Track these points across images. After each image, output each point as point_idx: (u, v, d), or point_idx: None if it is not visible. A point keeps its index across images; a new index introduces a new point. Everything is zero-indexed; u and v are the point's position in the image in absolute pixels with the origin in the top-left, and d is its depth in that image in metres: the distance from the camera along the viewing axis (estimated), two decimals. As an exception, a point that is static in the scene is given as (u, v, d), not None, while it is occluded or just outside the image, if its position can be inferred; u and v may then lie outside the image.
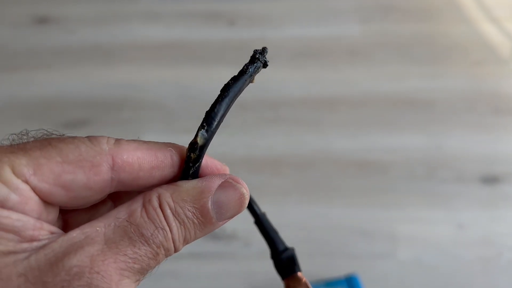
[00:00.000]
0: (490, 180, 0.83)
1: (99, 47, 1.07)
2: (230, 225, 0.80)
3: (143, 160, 0.21)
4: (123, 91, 0.98)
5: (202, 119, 0.21)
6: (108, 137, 0.21)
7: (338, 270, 0.73)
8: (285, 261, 0.23)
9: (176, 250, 0.21)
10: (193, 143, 0.21)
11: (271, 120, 0.95)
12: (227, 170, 0.24)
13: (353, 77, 1.00)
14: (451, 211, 0.79)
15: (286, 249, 0.24)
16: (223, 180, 0.22)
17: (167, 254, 0.21)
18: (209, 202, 0.21)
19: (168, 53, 1.04)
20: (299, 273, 0.23)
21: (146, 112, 0.96)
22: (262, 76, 0.99)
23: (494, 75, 0.98)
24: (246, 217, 0.83)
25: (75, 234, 0.19)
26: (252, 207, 0.24)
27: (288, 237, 0.79)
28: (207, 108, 0.22)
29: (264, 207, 0.84)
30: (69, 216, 0.23)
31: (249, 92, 1.04)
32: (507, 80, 0.98)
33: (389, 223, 0.78)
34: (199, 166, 0.22)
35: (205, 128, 0.21)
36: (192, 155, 0.22)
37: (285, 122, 0.96)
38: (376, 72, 1.00)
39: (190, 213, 0.21)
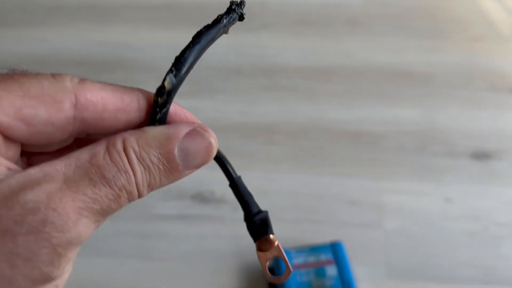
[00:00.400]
0: (481, 156, 0.83)
1: (95, 6, 1.05)
2: (219, 190, 0.80)
3: (108, 101, 0.20)
4: (117, 51, 0.97)
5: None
6: (72, 76, 0.21)
7: (324, 237, 0.73)
8: (258, 223, 0.23)
9: (140, 195, 0.21)
10: (161, 88, 0.21)
11: (266, 87, 0.95)
12: (195, 119, 0.24)
13: (351, 48, 0.99)
14: (439, 185, 0.79)
15: (260, 211, 0.24)
16: (191, 128, 0.21)
17: (130, 198, 0.21)
18: (176, 149, 0.21)
19: (164, 14, 1.02)
20: (271, 236, 0.23)
21: (140, 73, 0.95)
22: (259, 42, 0.99)
23: (492, 51, 0.97)
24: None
25: (34, 172, 0.18)
26: (227, 170, 0.24)
27: (276, 203, 0.80)
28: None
29: (255, 173, 0.84)
30: (33, 161, 0.22)
31: (244, 58, 1.05)
32: (506, 57, 0.97)
33: (377, 194, 0.79)
34: (166, 112, 0.21)
35: (174, 72, 0.21)
36: (159, 99, 0.21)
37: (280, 90, 0.95)
38: (375, 43, 0.98)
39: (156, 159, 0.20)
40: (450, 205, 0.77)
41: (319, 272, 0.64)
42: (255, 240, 0.23)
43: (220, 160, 0.24)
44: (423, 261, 0.71)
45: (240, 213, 0.80)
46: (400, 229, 0.74)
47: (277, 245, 0.24)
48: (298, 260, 0.66)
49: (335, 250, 0.66)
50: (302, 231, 0.74)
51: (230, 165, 0.24)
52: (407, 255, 0.71)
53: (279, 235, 0.75)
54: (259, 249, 0.24)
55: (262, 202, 0.79)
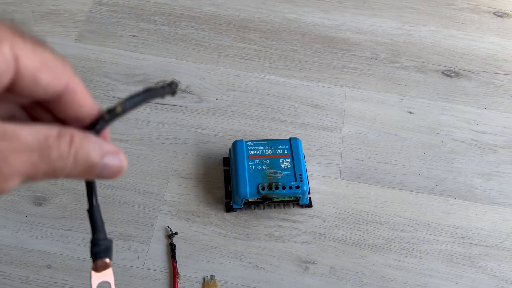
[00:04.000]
0: (451, 74, 0.83)
1: None
2: (185, 80, 0.79)
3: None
4: None
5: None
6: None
7: (284, 136, 0.74)
8: (101, 247, 0.27)
9: (55, 178, 0.24)
10: (113, 109, 0.26)
11: (245, -19, 0.90)
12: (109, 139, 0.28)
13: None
14: (404, 97, 0.79)
15: (106, 238, 0.26)
16: (117, 150, 0.25)
17: (50, 177, 0.24)
18: (102, 161, 0.24)
19: None
20: (108, 260, 0.26)
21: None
22: None
23: (483, -29, 0.94)
24: (201, 75, 0.82)
25: (8, 127, 0.21)
26: (91, 196, 0.26)
27: (241, 99, 0.79)
28: None
29: (223, 67, 0.82)
30: None
31: None
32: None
33: (341, 100, 0.78)
34: (104, 127, 0.26)
35: (124, 105, 0.26)
36: (106, 116, 0.26)
37: (259, -14, 0.90)
38: None
39: (84, 161, 0.24)
40: (412, 117, 0.77)
41: (274, 163, 0.65)
42: (94, 260, 0.26)
43: (90, 185, 0.27)
44: (375, 166, 0.72)
45: (203, 105, 0.80)
46: (358, 135, 0.75)
47: (110, 270, 0.27)
48: (255, 151, 0.66)
49: (292, 145, 0.67)
50: (264, 128, 0.74)
51: (95, 193, 0.26)
52: (361, 159, 0.73)
53: (241, 129, 0.75)
54: (94, 269, 0.26)
55: (227, 96, 0.79)
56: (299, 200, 0.65)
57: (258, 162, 0.65)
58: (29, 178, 0.22)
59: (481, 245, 0.66)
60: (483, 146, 0.75)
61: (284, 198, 0.65)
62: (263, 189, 0.63)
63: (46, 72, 0.23)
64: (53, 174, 0.23)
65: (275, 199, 0.64)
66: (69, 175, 0.24)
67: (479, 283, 0.64)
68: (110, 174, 0.25)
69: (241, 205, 0.65)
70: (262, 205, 0.66)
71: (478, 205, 0.70)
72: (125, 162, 0.26)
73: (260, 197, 0.63)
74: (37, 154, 0.22)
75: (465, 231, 0.67)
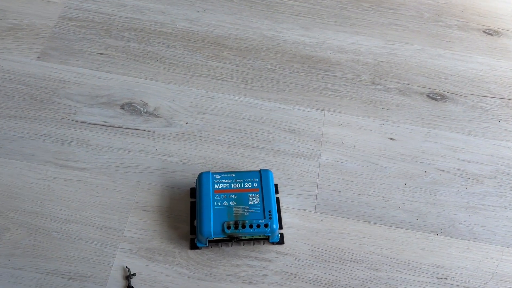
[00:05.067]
0: (436, 97, 0.78)
1: None
2: (153, 102, 0.74)
3: None
4: None
5: None
6: None
7: (257, 164, 0.69)
8: None
9: None
10: None
11: (221, -5, 0.85)
12: None
13: (322, -37, 0.88)
14: (387, 122, 0.75)
15: None
16: None
17: None
18: None
19: None
20: None
21: None
22: None
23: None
24: (171, 96, 0.77)
25: None
26: None
27: (213, 123, 0.75)
28: None
29: (195, 88, 0.77)
30: None
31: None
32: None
33: (319, 125, 0.74)
34: None
35: None
36: None
37: (237, 0, 0.85)
38: (348, -40, 0.88)
39: None
40: (393, 145, 0.73)
41: (241, 199, 0.61)
42: None
43: None
44: (353, 197, 0.68)
45: (171, 129, 0.75)
46: (336, 163, 0.70)
47: None
48: (222, 185, 0.62)
49: (262, 177, 0.62)
50: (235, 155, 0.70)
51: None
52: (338, 191, 0.68)
53: (211, 157, 0.71)
54: None
55: (198, 119, 0.74)
56: (268, 238, 0.61)
57: (224, 197, 0.61)
58: None
59: (463, 286, 0.62)
60: (468, 176, 0.71)
61: (253, 236, 0.60)
62: (228, 227, 0.58)
63: None
64: None
65: (243, 238, 0.60)
66: None
67: (460, 329, 0.60)
68: None
69: (205, 244, 0.60)
70: (229, 243, 0.62)
71: (461, 242, 0.65)
72: None
73: (225, 236, 0.59)
74: None
75: (447, 271, 0.63)
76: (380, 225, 0.66)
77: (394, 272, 0.62)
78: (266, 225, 0.59)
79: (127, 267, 0.60)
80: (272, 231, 0.59)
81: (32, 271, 0.59)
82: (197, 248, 0.61)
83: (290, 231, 0.64)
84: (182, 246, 0.62)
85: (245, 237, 0.60)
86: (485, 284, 0.62)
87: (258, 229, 0.58)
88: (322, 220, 0.66)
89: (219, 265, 0.61)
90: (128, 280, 0.59)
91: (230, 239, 0.59)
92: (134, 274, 0.59)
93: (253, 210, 0.60)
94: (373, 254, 0.64)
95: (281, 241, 0.63)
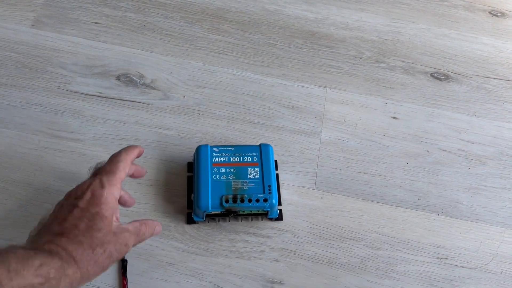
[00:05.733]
0: (441, 77, 0.77)
1: None
2: (150, 73, 0.72)
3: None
4: None
5: None
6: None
7: (256, 140, 0.67)
8: None
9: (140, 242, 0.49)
10: None
11: (222, -33, 0.82)
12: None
13: None
14: (390, 101, 0.73)
15: None
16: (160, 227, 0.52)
17: (139, 242, 0.49)
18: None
19: None
20: None
21: None
22: None
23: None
24: (169, 68, 0.75)
25: (125, 226, 0.48)
26: None
27: (212, 97, 0.73)
28: None
29: (194, 61, 0.75)
30: None
31: None
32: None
33: (321, 102, 0.72)
34: None
35: None
36: None
37: (238, -27, 0.83)
38: None
39: (151, 234, 0.51)
40: (396, 123, 0.71)
41: (240, 173, 0.59)
42: None
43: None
44: (354, 176, 0.66)
45: (168, 102, 0.73)
46: (337, 141, 0.69)
47: None
48: (220, 158, 0.60)
49: (262, 152, 0.61)
50: (235, 131, 0.68)
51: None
52: (338, 168, 0.67)
53: (210, 131, 0.69)
54: None
55: (196, 93, 0.72)
56: (267, 214, 0.59)
57: (223, 170, 0.59)
58: (133, 246, 0.47)
59: (463, 267, 0.61)
60: (471, 157, 0.70)
61: (251, 211, 0.59)
62: (227, 201, 0.56)
63: (127, 196, 0.52)
64: (141, 240, 0.48)
65: (241, 213, 0.58)
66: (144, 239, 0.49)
67: (459, 309, 0.59)
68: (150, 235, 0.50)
69: (202, 218, 0.59)
70: (227, 218, 0.60)
71: (462, 222, 0.64)
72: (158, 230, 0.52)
73: (223, 210, 0.57)
74: (135, 235, 0.47)
75: (447, 251, 0.62)
76: (380, 204, 0.65)
77: (393, 251, 0.61)
78: (265, 200, 0.57)
79: (121, 240, 0.58)
80: (272, 206, 0.57)
81: (22, 242, 0.57)
82: (194, 222, 0.60)
83: (289, 208, 0.63)
84: (178, 220, 0.60)
85: (244, 211, 0.58)
86: (486, 265, 0.61)
87: (257, 204, 0.57)
88: (321, 198, 0.64)
89: (216, 240, 0.60)
90: (122, 253, 0.57)
91: (228, 214, 0.58)
92: (128, 247, 0.57)
93: (252, 185, 0.58)
94: (373, 232, 0.62)
95: (280, 217, 0.61)
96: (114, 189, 0.47)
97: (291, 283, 0.58)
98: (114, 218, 0.46)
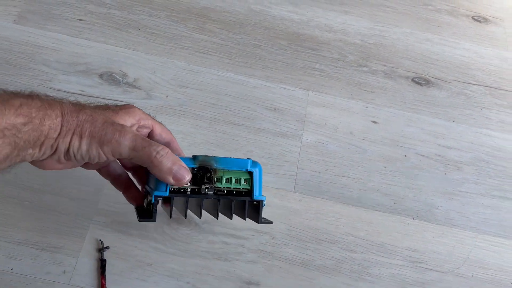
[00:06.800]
0: (421, 81, 0.78)
1: None
2: (133, 72, 0.72)
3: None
4: None
5: None
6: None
7: (238, 142, 0.68)
8: None
9: (143, 159, 0.41)
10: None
11: (208, -34, 0.82)
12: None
13: None
14: (370, 105, 0.74)
15: None
16: (186, 168, 0.43)
17: (142, 157, 0.41)
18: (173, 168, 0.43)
19: None
20: None
21: None
22: None
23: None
24: (152, 67, 0.75)
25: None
26: None
27: (195, 98, 0.73)
28: None
29: (177, 61, 0.75)
30: None
31: None
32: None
33: (303, 105, 0.73)
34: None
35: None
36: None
37: (224, -28, 0.83)
38: None
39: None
40: (375, 128, 0.72)
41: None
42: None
43: None
44: (332, 179, 0.67)
45: (151, 102, 0.73)
46: (318, 144, 0.70)
47: None
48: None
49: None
50: (217, 132, 0.69)
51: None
52: (318, 171, 0.68)
53: (191, 132, 0.69)
54: None
55: (179, 93, 0.72)
56: (250, 193, 0.46)
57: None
58: (133, 149, 0.40)
59: (435, 271, 0.63)
60: (447, 162, 0.71)
61: (231, 186, 0.46)
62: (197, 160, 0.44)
63: (164, 133, 0.49)
64: (144, 153, 0.40)
65: (219, 173, 0.45)
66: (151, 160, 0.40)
67: (429, 312, 0.61)
68: (176, 179, 0.41)
69: (165, 192, 0.43)
70: (199, 196, 0.45)
71: (436, 227, 0.66)
72: (187, 178, 0.42)
73: (196, 165, 0.44)
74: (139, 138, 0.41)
75: (421, 255, 0.64)
76: (357, 207, 0.66)
77: (368, 254, 0.63)
78: (250, 173, 0.45)
79: (100, 240, 0.59)
80: (256, 172, 0.46)
81: (1, 241, 0.58)
82: (149, 217, 0.45)
83: (268, 209, 0.64)
84: (157, 221, 0.61)
85: (222, 175, 0.45)
86: (457, 269, 0.63)
87: (238, 164, 0.45)
88: (300, 200, 0.65)
89: (195, 241, 0.61)
90: (101, 252, 0.58)
91: (201, 179, 0.45)
92: (107, 247, 0.58)
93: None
94: (349, 235, 0.64)
95: (269, 220, 0.50)
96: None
97: (267, 285, 0.59)
98: None
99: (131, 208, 0.62)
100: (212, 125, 0.69)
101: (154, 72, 0.72)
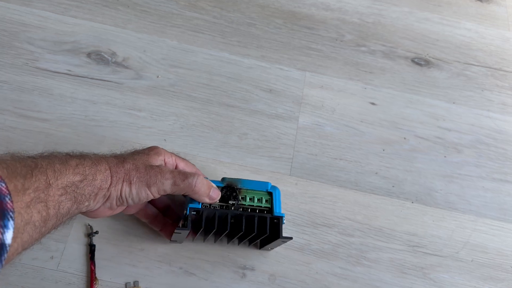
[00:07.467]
0: (421, 62, 0.75)
1: None
2: (122, 51, 0.69)
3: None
4: None
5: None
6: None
7: (232, 124, 0.66)
8: None
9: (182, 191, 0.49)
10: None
11: None
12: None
13: None
14: (369, 86, 0.72)
15: None
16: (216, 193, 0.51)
17: (181, 190, 0.49)
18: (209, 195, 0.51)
19: None
20: None
21: None
22: None
23: None
24: (142, 46, 0.72)
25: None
26: None
27: (187, 78, 0.70)
28: None
29: (168, 40, 0.72)
30: None
31: None
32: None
33: (299, 86, 0.70)
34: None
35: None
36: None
37: None
38: None
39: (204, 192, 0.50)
40: (374, 109, 0.70)
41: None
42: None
43: None
44: (329, 162, 0.65)
45: (142, 82, 0.71)
46: (314, 126, 0.68)
47: None
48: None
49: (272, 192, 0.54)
50: (210, 113, 0.66)
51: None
52: (314, 154, 0.66)
53: (184, 113, 0.67)
54: None
55: (170, 73, 0.70)
56: (271, 211, 0.52)
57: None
58: (174, 184, 0.47)
59: (435, 255, 0.61)
60: (447, 145, 0.69)
61: (253, 205, 0.52)
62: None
63: (188, 168, 0.52)
64: (177, 186, 0.47)
65: (243, 193, 0.53)
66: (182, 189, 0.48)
67: (428, 297, 0.59)
68: (211, 199, 0.50)
69: (198, 205, 0.51)
70: (226, 206, 0.52)
71: (436, 210, 0.64)
72: (219, 197, 0.51)
73: (223, 184, 0.53)
74: (171, 174, 0.47)
75: (420, 239, 0.62)
76: (355, 191, 0.64)
77: (366, 238, 0.61)
78: (269, 193, 0.53)
79: (89, 225, 0.56)
80: (275, 190, 0.53)
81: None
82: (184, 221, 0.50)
83: (263, 193, 0.62)
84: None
85: (246, 194, 0.52)
86: (457, 253, 0.62)
87: (259, 185, 0.53)
88: (296, 184, 0.63)
89: (187, 225, 0.59)
90: (90, 238, 0.55)
91: (229, 194, 0.52)
92: (97, 232, 0.56)
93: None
94: (346, 219, 0.62)
95: (288, 237, 0.52)
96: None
97: (262, 269, 0.57)
98: None
99: (121, 192, 0.59)
100: (205, 106, 0.67)
101: (144, 51, 0.69)
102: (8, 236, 0.33)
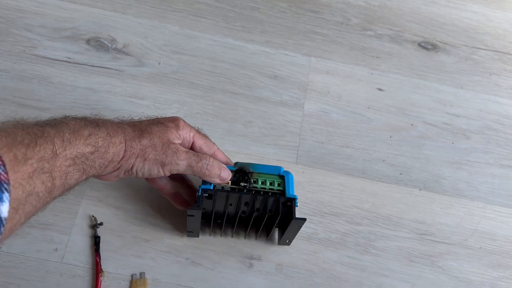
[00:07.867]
0: (428, 46, 0.74)
1: None
2: (123, 37, 0.67)
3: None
4: None
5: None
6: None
7: (236, 111, 0.65)
8: None
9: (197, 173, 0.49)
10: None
11: None
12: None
13: None
14: (376, 72, 0.70)
15: None
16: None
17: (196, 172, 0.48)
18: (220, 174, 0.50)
19: None
20: None
21: None
22: None
23: None
24: (143, 32, 0.70)
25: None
26: None
27: (190, 64, 0.68)
28: None
29: (171, 25, 0.70)
30: None
31: None
32: None
33: (305, 71, 0.69)
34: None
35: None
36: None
37: None
38: None
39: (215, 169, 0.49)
40: (381, 95, 0.69)
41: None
42: None
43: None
44: (336, 150, 0.64)
45: (144, 69, 0.69)
46: (321, 113, 0.66)
47: None
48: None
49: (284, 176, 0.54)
50: (214, 101, 0.65)
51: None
52: (321, 142, 0.65)
53: (187, 101, 0.65)
54: None
55: (173, 59, 0.68)
56: (283, 193, 0.52)
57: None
58: (189, 165, 0.47)
59: (443, 243, 0.61)
60: (455, 131, 0.68)
61: (265, 180, 0.52)
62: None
63: (205, 147, 0.51)
64: (193, 167, 0.47)
65: (255, 176, 0.52)
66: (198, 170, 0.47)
67: (437, 285, 0.59)
68: (221, 179, 0.50)
69: (210, 185, 0.50)
70: (241, 190, 0.51)
71: (444, 198, 0.64)
72: (229, 177, 0.50)
73: (235, 167, 0.52)
74: (188, 155, 0.47)
75: (428, 227, 0.61)
76: (362, 179, 0.63)
77: (374, 227, 0.60)
78: (282, 177, 0.52)
79: (93, 216, 0.55)
80: (288, 175, 0.52)
81: None
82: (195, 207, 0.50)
83: (269, 182, 0.61)
84: (153, 193, 0.58)
85: (258, 177, 0.52)
86: (465, 240, 0.61)
87: (271, 169, 0.52)
88: (303, 172, 0.62)
89: (193, 216, 0.58)
90: (95, 229, 0.55)
91: (241, 178, 0.52)
92: (101, 223, 0.55)
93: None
94: (353, 207, 0.61)
95: (302, 218, 0.51)
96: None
97: (268, 259, 0.57)
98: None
99: (125, 182, 0.58)
100: (208, 93, 0.65)
101: (146, 37, 0.68)
102: (4, 209, 0.31)
